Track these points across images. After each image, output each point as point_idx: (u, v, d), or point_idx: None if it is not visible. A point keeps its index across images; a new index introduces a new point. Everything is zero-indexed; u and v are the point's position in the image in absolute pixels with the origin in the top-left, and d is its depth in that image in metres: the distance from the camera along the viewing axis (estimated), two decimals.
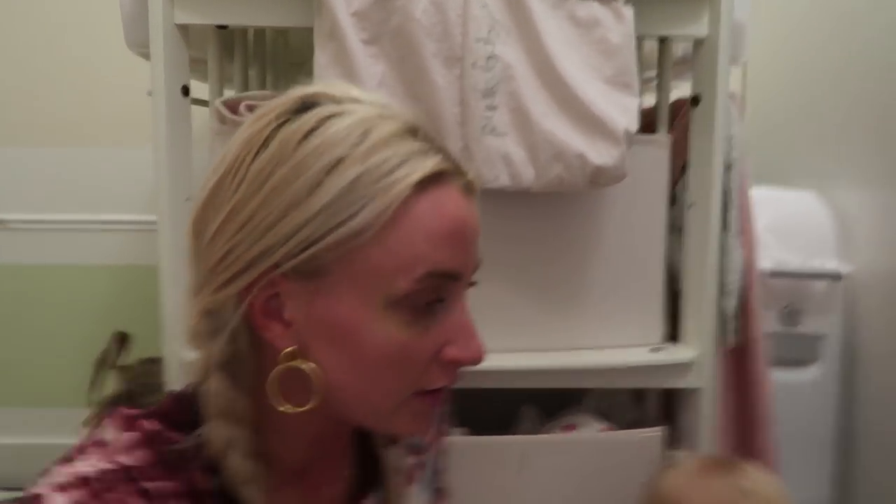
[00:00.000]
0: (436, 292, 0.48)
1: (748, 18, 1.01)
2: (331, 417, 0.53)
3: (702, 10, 0.93)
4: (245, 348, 0.50)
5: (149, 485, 0.46)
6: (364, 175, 0.45)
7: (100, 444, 0.48)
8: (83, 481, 0.44)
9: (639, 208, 0.98)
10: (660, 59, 1.00)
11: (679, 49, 1.05)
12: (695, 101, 0.96)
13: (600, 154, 0.82)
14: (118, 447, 0.48)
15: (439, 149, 0.49)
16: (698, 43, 0.95)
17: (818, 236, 1.21)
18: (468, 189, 0.50)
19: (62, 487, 0.43)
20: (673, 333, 1.02)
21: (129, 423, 0.50)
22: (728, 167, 0.96)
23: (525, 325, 0.97)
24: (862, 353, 1.23)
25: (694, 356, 0.96)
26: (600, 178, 0.83)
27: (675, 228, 1.04)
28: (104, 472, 0.45)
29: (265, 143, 0.47)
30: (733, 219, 0.97)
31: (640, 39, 0.93)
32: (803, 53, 1.42)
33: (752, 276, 1.02)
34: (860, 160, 1.25)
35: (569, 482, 0.97)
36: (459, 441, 0.93)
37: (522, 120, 0.83)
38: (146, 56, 0.98)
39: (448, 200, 0.48)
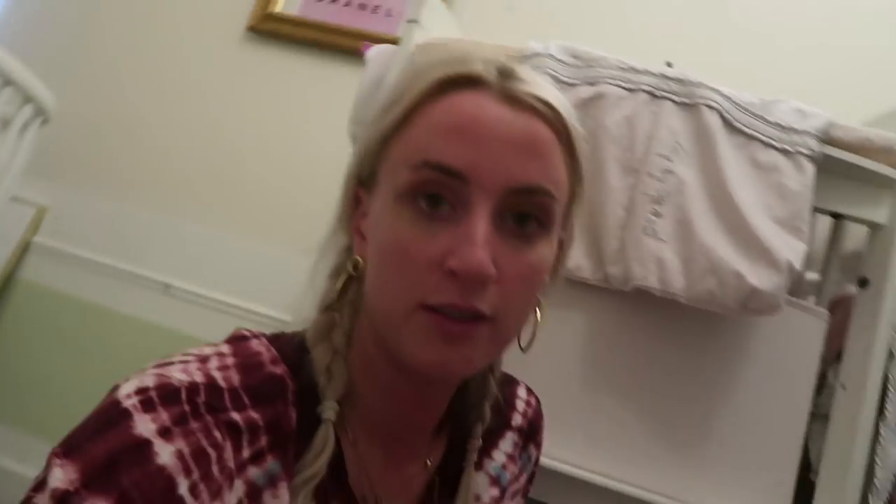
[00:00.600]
0: (436, 187, 0.47)
1: None
2: (384, 348, 0.52)
3: (882, 197, 0.94)
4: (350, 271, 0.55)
5: (235, 416, 0.45)
6: (405, 80, 0.51)
7: (201, 357, 0.48)
8: (172, 393, 0.43)
9: (786, 373, 0.92)
10: (831, 236, 1.00)
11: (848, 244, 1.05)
12: (863, 282, 0.94)
13: (759, 277, 0.81)
14: (216, 364, 0.48)
15: (499, 67, 0.50)
16: (875, 227, 0.95)
17: None
18: (511, 100, 0.49)
19: (148, 403, 0.42)
20: None
21: (237, 340, 0.52)
22: (891, 355, 0.90)
23: (639, 455, 0.90)
24: None
25: None
26: (753, 303, 0.82)
27: (819, 416, 0.96)
28: (193, 385, 0.44)
29: None
30: (892, 412, 0.89)
31: (814, 212, 0.95)
32: None
33: None
34: None
35: None
36: None
37: (685, 231, 0.86)
38: (355, 140, 1.14)
39: (471, 102, 0.48)
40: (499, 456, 0.66)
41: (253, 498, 0.45)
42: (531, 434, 0.69)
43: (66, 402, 1.71)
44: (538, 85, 0.50)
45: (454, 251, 0.46)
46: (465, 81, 0.49)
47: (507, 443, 0.66)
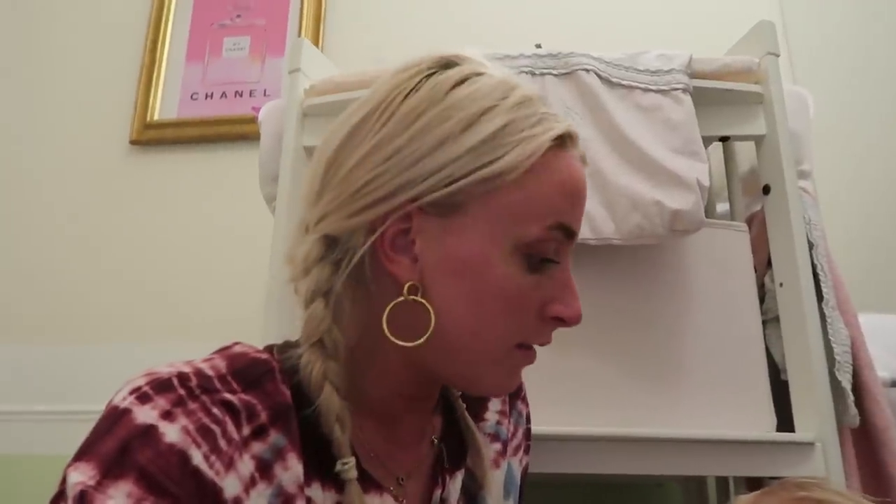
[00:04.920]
0: (555, 245, 0.52)
1: (807, 132, 1.10)
2: (425, 367, 0.54)
3: (756, 111, 1.04)
4: (361, 278, 0.52)
5: (229, 396, 0.46)
6: (512, 123, 0.51)
7: (186, 360, 0.48)
8: (164, 383, 0.44)
9: (729, 288, 0.98)
10: (726, 157, 1.09)
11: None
12: (766, 190, 1.02)
13: (675, 200, 0.87)
14: (200, 359, 0.49)
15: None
16: (759, 140, 1.04)
17: None
18: (582, 160, 0.56)
19: (144, 397, 0.43)
20: (786, 428, 0.94)
21: (220, 348, 0.52)
22: (811, 245, 0.98)
23: (618, 400, 0.92)
24: None
25: (814, 436, 0.87)
26: (678, 224, 0.87)
27: (771, 320, 1.01)
28: (182, 374, 0.45)
29: (415, 88, 0.53)
30: (829, 293, 0.95)
31: (705, 141, 1.03)
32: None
33: (861, 354, 0.95)
34: None
35: None
36: None
37: (599, 182, 0.91)
38: (271, 200, 1.16)
39: (573, 162, 0.54)
40: (491, 416, 0.68)
41: (263, 472, 0.46)
42: (515, 391, 0.71)
43: None
44: None
45: (559, 299, 0.53)
46: (567, 139, 0.54)
47: (495, 403, 0.69)
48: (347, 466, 0.48)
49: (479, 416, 0.66)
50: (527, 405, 0.73)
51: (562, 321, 0.53)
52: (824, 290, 0.95)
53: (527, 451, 0.72)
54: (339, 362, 0.51)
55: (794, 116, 1.06)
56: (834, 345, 0.93)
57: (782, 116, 1.02)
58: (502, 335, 0.52)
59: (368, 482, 0.52)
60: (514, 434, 0.69)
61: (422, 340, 0.50)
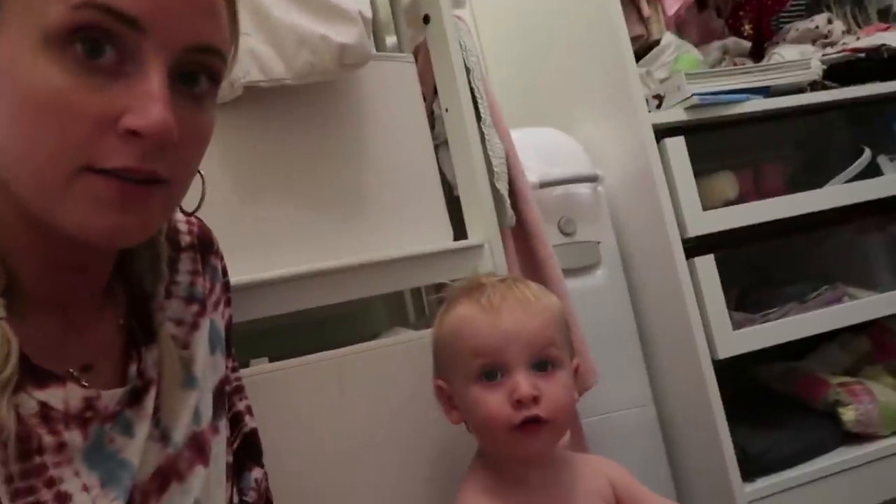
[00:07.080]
0: (101, 33, 0.43)
1: None
2: (36, 218, 0.47)
3: None
4: None
5: None
6: None
7: None
8: None
9: (402, 118, 1.04)
10: None
11: None
12: (426, 19, 1.07)
13: (341, 34, 0.87)
14: None
15: None
16: None
17: (572, 154, 1.35)
18: None
19: None
20: (461, 237, 1.07)
21: None
22: (468, 70, 1.07)
23: (312, 240, 0.94)
24: (629, 255, 1.36)
25: (482, 239, 1.01)
26: (347, 58, 0.88)
27: (442, 144, 1.11)
28: None
29: None
30: (486, 113, 1.07)
31: None
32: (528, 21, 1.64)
33: (515, 164, 1.10)
34: (591, 97, 1.44)
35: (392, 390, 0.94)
36: (270, 368, 0.87)
37: (262, 19, 0.87)
38: None
39: None
40: (183, 278, 0.66)
41: None
42: (206, 247, 0.70)
43: None
44: None
45: (133, 109, 0.43)
46: None
47: (185, 263, 0.67)
48: None
49: (170, 280, 0.63)
50: (221, 259, 0.72)
51: (136, 134, 0.43)
52: (482, 110, 1.06)
53: (227, 304, 0.72)
54: None
55: None
56: (493, 159, 1.05)
57: None
58: (52, 153, 0.43)
59: (45, 377, 0.49)
60: (211, 290, 0.68)
61: None
